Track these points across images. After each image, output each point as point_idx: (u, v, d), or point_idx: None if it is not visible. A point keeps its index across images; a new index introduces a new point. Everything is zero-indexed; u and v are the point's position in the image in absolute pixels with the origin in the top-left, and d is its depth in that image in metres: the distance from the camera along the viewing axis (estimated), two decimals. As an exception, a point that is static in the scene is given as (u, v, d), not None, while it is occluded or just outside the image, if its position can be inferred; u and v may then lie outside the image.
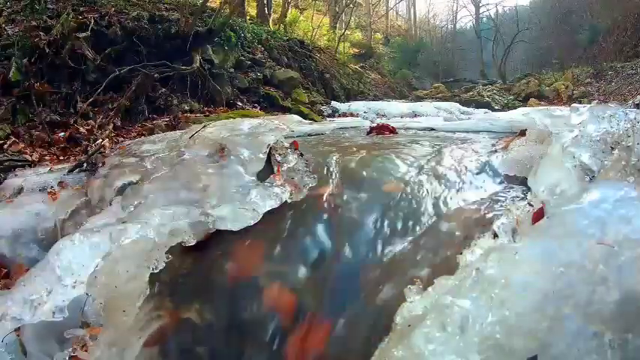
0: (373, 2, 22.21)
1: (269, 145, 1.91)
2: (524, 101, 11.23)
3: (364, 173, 1.78)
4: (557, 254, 0.91)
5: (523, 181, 1.57)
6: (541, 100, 11.30)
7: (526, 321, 0.84)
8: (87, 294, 1.30)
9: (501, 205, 1.48)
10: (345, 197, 1.67)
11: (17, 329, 1.31)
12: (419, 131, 3.42)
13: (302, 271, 1.47)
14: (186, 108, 4.73)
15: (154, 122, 4.03)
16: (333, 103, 8.03)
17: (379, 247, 1.48)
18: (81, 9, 4.65)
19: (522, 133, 1.89)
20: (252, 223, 1.54)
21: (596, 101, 8.92)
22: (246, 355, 1.34)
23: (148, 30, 4.92)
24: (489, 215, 1.45)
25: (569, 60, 15.21)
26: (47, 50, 3.74)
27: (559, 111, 1.67)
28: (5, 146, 2.83)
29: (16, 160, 2.62)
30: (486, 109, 8.85)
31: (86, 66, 4.05)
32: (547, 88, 12.19)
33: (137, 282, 1.36)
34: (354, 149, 2.03)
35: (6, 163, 2.53)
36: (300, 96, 7.14)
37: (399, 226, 1.54)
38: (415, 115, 6.90)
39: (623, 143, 1.22)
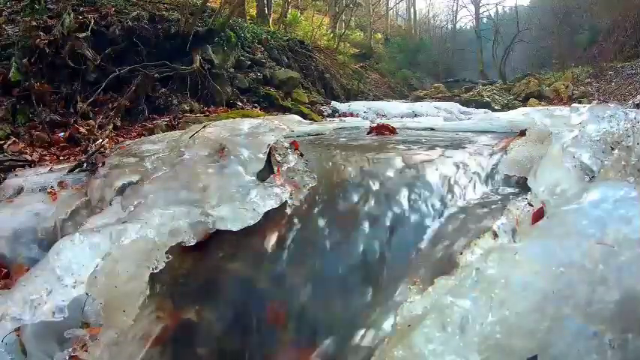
0: (373, 2, 22.19)
1: (269, 145, 1.91)
2: (524, 101, 11.22)
3: (364, 173, 1.78)
4: (557, 254, 0.91)
5: (523, 181, 1.57)
6: (541, 100, 11.29)
7: (526, 321, 0.84)
8: (87, 294, 1.30)
9: (501, 205, 1.48)
10: (344, 197, 1.67)
11: (17, 329, 1.31)
12: (419, 131, 3.41)
13: (302, 271, 1.47)
14: (186, 108, 4.73)
15: (154, 122, 4.03)
16: (333, 103, 8.02)
17: (379, 248, 1.48)
18: (81, 9, 4.65)
19: (522, 133, 1.89)
20: (252, 223, 1.54)
21: (596, 101, 8.92)
22: (246, 355, 1.34)
23: (148, 30, 4.92)
24: (489, 215, 1.45)
25: (569, 60, 15.19)
26: (47, 50, 3.74)
27: (559, 111, 1.67)
28: (5, 146, 2.84)
29: (16, 160, 2.62)
30: (486, 109, 8.84)
31: (86, 66, 4.05)
32: (547, 88, 12.18)
33: (137, 282, 1.36)
34: (354, 149, 2.03)
35: (6, 163, 2.53)
36: (300, 96, 7.13)
37: (399, 225, 1.54)
38: (415, 115, 6.88)
39: (623, 143, 1.22)
